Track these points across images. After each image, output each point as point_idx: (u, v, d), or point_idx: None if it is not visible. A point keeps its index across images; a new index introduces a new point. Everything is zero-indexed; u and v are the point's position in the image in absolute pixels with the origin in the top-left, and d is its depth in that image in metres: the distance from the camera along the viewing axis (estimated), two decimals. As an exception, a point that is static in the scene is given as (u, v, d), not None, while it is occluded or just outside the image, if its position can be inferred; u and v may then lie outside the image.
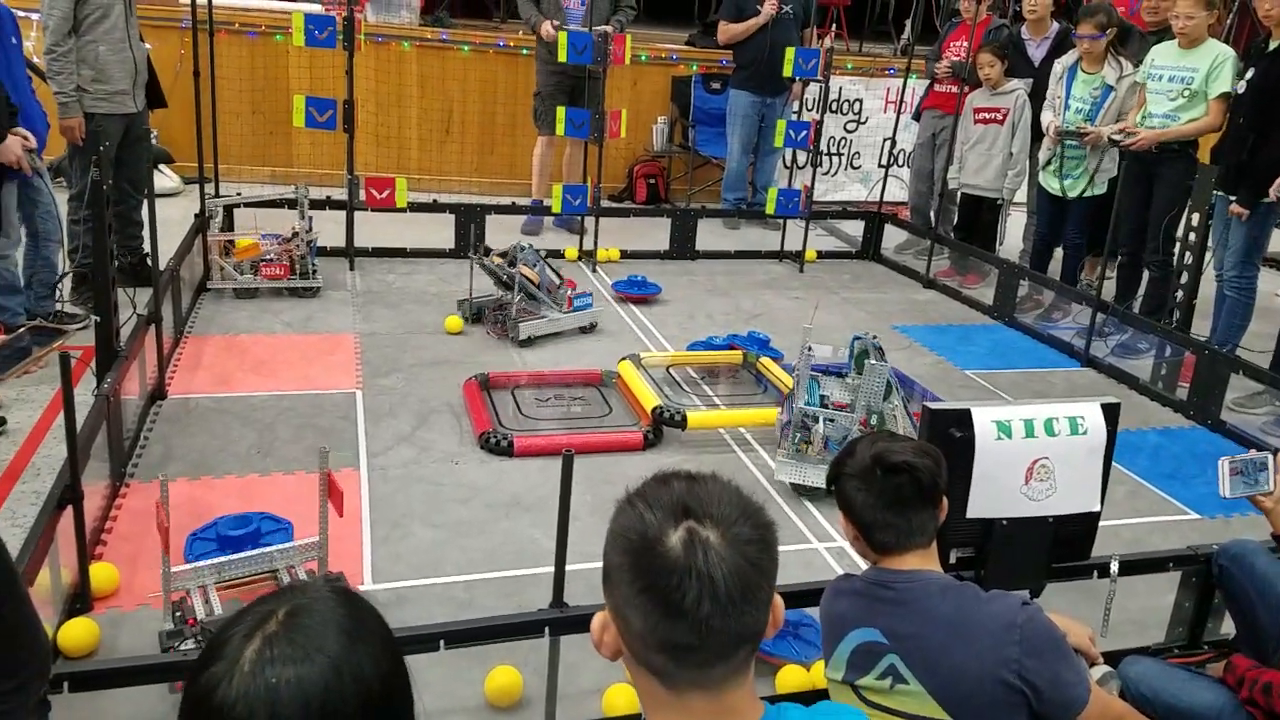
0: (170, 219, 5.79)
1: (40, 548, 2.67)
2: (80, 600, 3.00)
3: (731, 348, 5.38)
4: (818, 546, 3.74)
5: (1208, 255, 5.44)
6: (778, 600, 1.22)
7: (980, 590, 2.06)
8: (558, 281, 5.63)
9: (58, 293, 5.09)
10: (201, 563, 3.01)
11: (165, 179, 7.68)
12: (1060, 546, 2.66)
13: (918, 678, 1.96)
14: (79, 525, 2.92)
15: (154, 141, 7.03)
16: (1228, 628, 3.18)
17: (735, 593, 1.14)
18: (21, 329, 2.26)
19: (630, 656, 1.21)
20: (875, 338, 4.22)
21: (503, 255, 5.58)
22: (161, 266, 4.58)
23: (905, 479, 2.05)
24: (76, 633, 2.81)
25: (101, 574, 3.08)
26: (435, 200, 7.11)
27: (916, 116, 7.76)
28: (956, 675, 1.93)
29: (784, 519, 3.90)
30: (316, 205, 6.54)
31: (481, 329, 5.57)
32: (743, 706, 1.22)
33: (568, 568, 2.63)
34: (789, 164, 9.09)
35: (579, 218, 6.90)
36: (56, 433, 3.94)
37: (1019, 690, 1.91)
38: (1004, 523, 2.55)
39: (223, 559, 3.05)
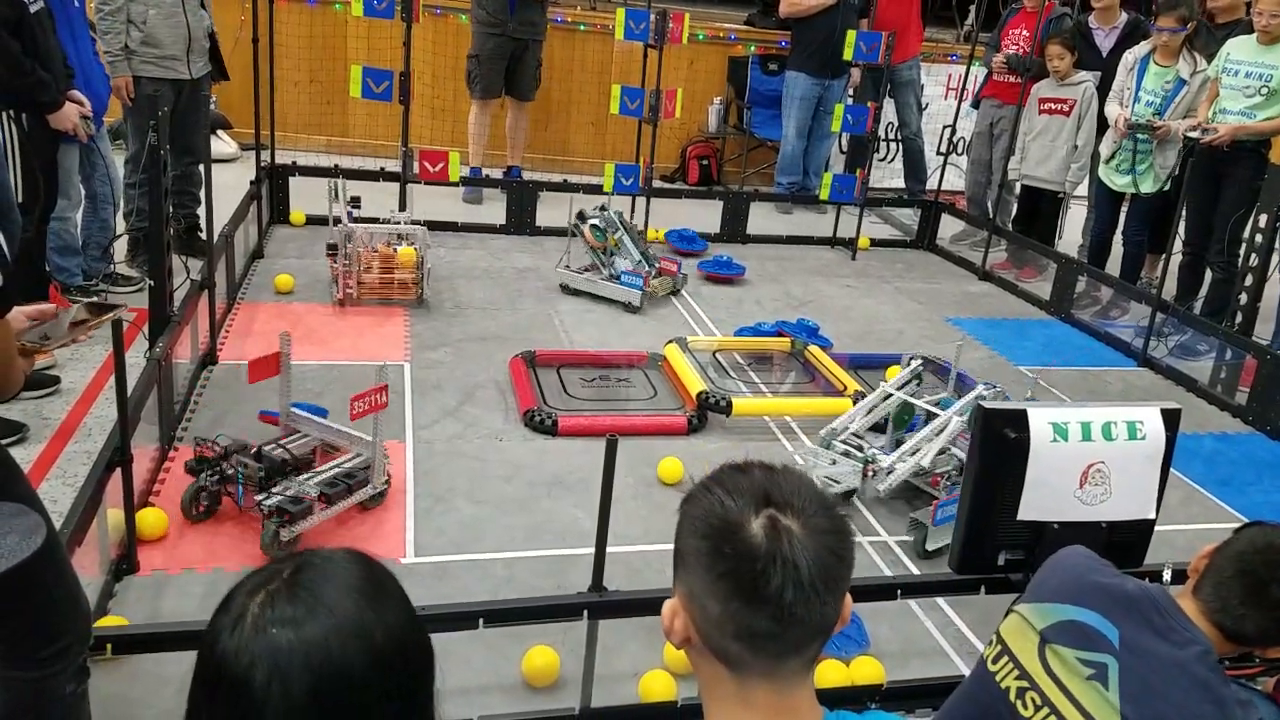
0: (226, 184, 5.83)
1: (89, 509, 2.70)
2: (127, 562, 3.04)
3: (780, 334, 5.33)
4: (861, 540, 3.70)
5: (1274, 257, 5.30)
6: (847, 597, 1.20)
7: (1225, 674, 1.92)
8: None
9: (110, 254, 5.16)
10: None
11: (223, 145, 7.75)
12: (1113, 553, 2.58)
13: (1123, 697, 1.84)
14: (127, 487, 2.95)
15: (213, 107, 7.08)
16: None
17: (819, 581, 1.12)
18: (77, 305, 2.26)
19: (700, 644, 1.18)
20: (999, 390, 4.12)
21: (622, 221, 5.84)
22: (216, 232, 4.61)
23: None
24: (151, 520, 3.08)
25: (150, 519, 3.18)
26: (488, 175, 7.11)
27: (975, 105, 7.63)
28: None
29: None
30: (369, 176, 6.58)
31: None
32: (804, 708, 1.19)
33: (608, 551, 2.62)
34: (844, 150, 8.99)
35: (481, 191, 6.87)
36: (109, 393, 3.99)
37: None
38: (1056, 526, 2.50)
39: None
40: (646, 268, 5.83)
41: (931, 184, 8.24)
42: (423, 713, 1.08)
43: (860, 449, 3.96)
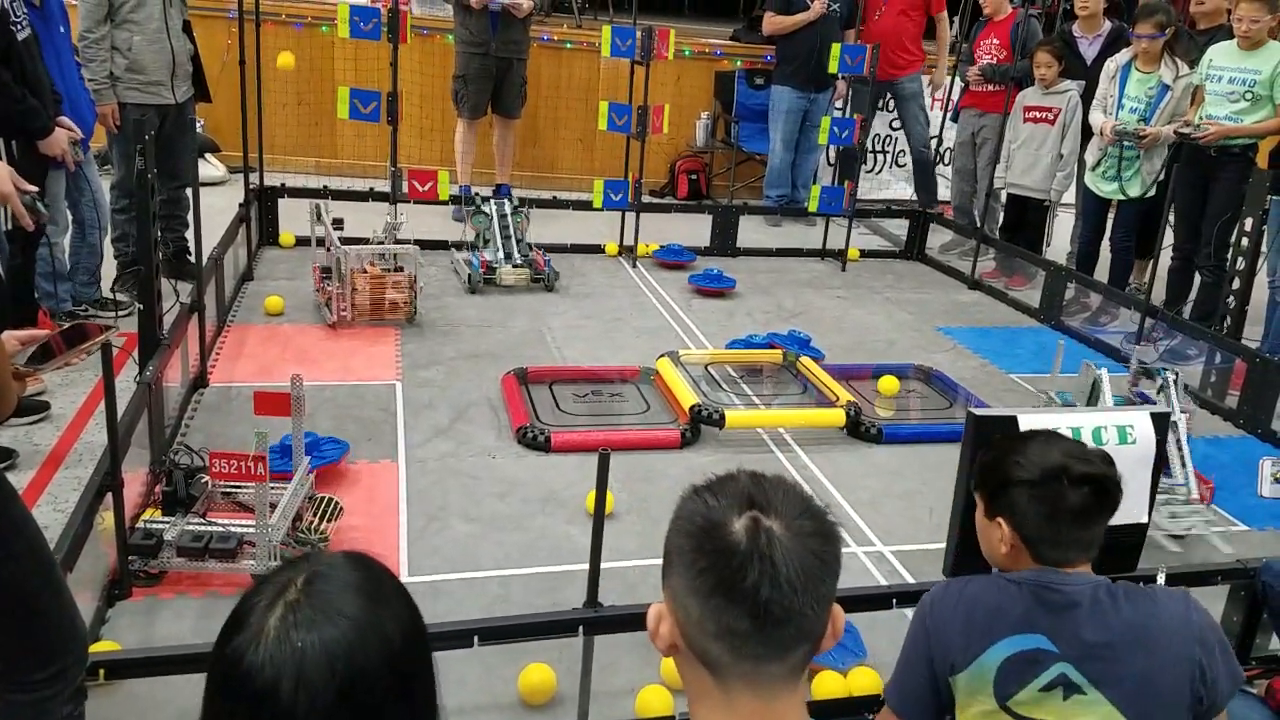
0: (215, 207, 5.83)
1: (80, 534, 2.69)
2: (119, 587, 3.02)
3: (771, 346, 5.33)
4: (855, 550, 3.69)
5: (1261, 260, 5.32)
6: (838, 610, 1.20)
7: (1142, 589, 1.90)
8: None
9: (98, 279, 5.15)
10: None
11: (211, 168, 7.75)
12: (1106, 557, 2.59)
13: (1098, 687, 1.80)
14: (118, 512, 2.94)
15: (200, 130, 7.09)
16: (1278, 644, 3.11)
17: (797, 582, 1.12)
18: (68, 326, 2.26)
19: (685, 648, 1.19)
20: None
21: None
22: (205, 255, 4.61)
23: (1090, 491, 1.88)
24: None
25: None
26: (478, 194, 7.12)
27: (955, 118, 7.66)
28: (1145, 684, 1.79)
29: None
30: (359, 196, 6.58)
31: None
32: (791, 717, 1.19)
33: (602, 566, 2.61)
34: (832, 162, 9.02)
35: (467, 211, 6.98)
36: (99, 419, 3.98)
37: (1199, 696, 1.80)
38: (1049, 532, 2.49)
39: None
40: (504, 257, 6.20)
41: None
42: (431, 703, 1.12)
43: None
